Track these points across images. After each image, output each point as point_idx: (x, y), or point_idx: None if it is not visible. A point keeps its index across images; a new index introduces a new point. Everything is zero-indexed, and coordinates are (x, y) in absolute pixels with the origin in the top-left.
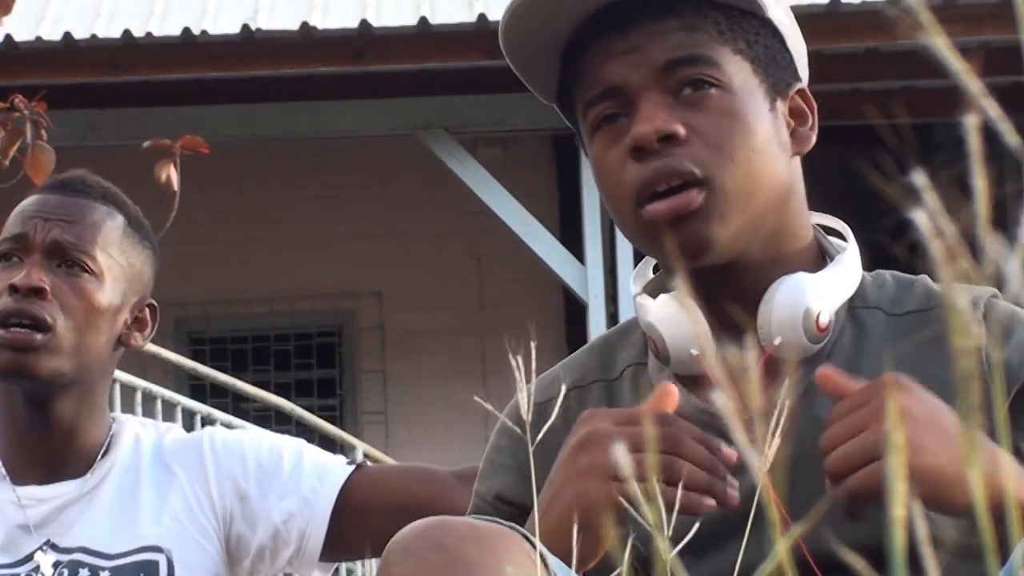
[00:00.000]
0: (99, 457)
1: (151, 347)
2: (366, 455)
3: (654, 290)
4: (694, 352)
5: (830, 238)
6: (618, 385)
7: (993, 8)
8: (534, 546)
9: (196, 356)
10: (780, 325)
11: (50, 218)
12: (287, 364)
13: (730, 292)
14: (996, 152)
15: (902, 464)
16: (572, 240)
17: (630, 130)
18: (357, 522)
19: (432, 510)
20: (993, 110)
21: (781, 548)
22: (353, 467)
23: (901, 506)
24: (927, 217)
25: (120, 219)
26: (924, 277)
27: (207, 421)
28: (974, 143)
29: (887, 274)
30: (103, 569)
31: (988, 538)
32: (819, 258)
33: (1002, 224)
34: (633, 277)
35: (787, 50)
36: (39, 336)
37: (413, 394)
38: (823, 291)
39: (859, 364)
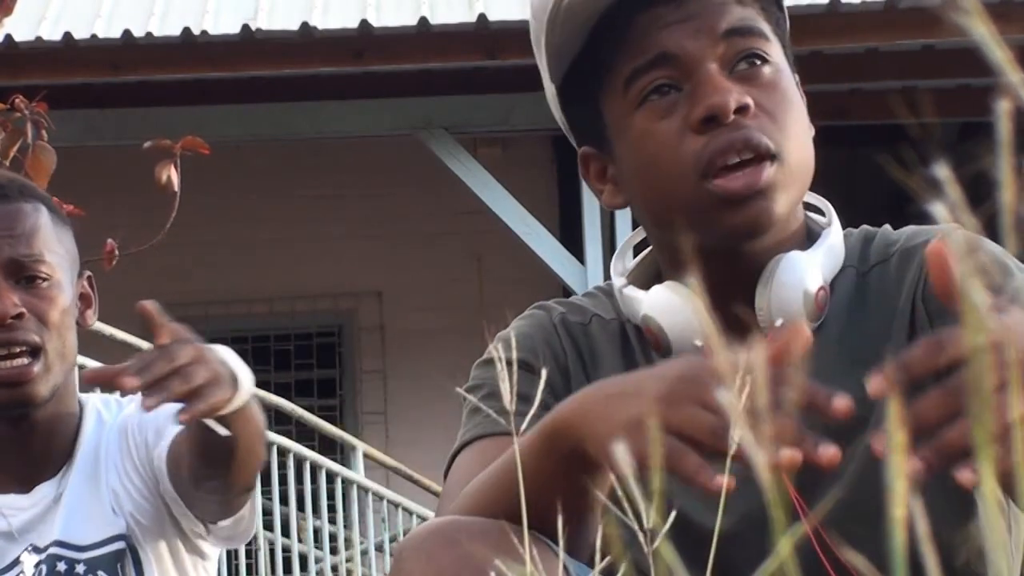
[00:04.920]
0: (72, 452)
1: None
2: (366, 455)
3: (638, 279)
4: (698, 343)
5: (809, 214)
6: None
7: (995, 8)
8: (549, 546)
9: None
10: (781, 307)
11: None
12: (287, 364)
13: (726, 272)
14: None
15: (900, 465)
16: (572, 240)
17: (692, 102)
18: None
19: None
20: None
21: (785, 546)
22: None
23: (901, 506)
24: (948, 211)
25: (44, 210)
26: (886, 227)
27: None
28: (1005, 131)
29: (854, 232)
30: (78, 562)
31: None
32: (805, 236)
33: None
34: (613, 270)
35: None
36: (35, 368)
37: (413, 394)
38: (818, 269)
39: (830, 326)
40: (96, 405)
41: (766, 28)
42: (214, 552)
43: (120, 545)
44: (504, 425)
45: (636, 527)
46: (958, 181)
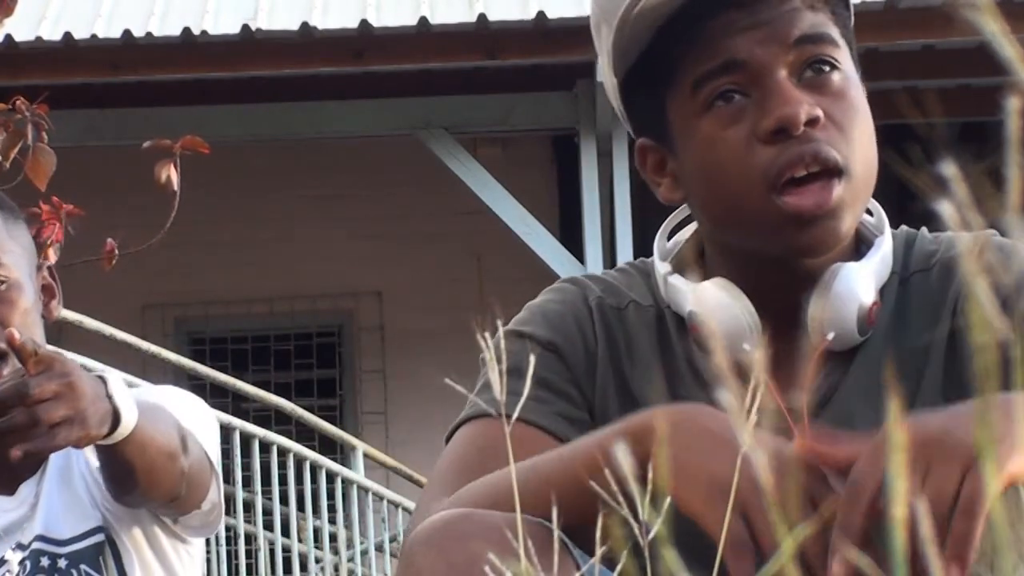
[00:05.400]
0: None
1: (151, 347)
2: (366, 455)
3: (680, 265)
4: (747, 347)
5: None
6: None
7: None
8: (565, 543)
9: (196, 356)
10: (835, 320)
11: None
12: (287, 364)
13: (776, 277)
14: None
15: (903, 467)
16: (572, 240)
17: (761, 111)
18: None
19: None
20: None
21: (787, 547)
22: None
23: (901, 506)
24: (955, 209)
25: None
26: (923, 230)
27: None
28: (1014, 128)
29: (895, 234)
30: (60, 556)
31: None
32: (855, 240)
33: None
34: (656, 250)
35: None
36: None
37: (413, 394)
38: (872, 281)
39: (876, 337)
40: None
41: (836, 33)
42: (196, 538)
43: (100, 537)
44: (514, 407)
45: (638, 527)
46: (980, 176)
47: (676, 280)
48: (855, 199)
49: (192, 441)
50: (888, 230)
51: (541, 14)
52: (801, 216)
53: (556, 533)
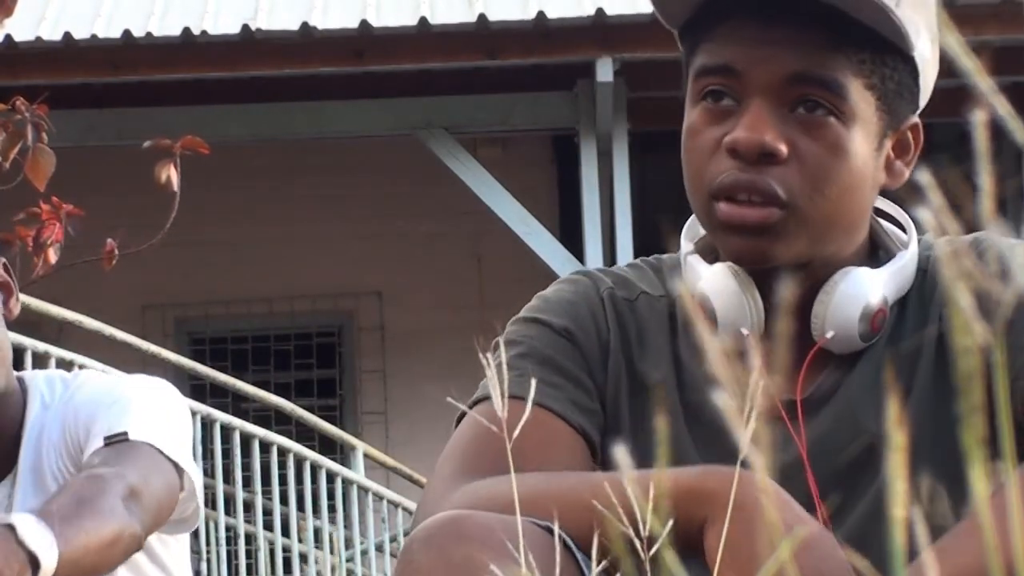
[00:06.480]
0: (18, 450)
1: (151, 347)
2: (366, 455)
3: (703, 249)
4: (745, 331)
5: (886, 224)
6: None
7: (995, 8)
8: (567, 544)
9: (196, 356)
10: (836, 319)
11: None
12: (287, 364)
13: (782, 281)
14: (997, 150)
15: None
16: (572, 240)
17: (736, 123)
18: None
19: None
20: (1003, 107)
21: (793, 540)
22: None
23: (901, 506)
24: (933, 215)
25: None
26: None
27: (207, 421)
28: (981, 140)
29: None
30: None
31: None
32: (871, 250)
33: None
34: (684, 232)
35: (917, 85)
36: None
37: (413, 394)
38: (882, 288)
39: (878, 343)
40: (40, 387)
41: (850, 82)
42: (177, 533)
43: None
44: (529, 391)
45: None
46: (958, 182)
47: (693, 259)
48: (798, 232)
49: (155, 479)
50: (914, 246)
51: (541, 14)
52: (729, 224)
53: (560, 536)
